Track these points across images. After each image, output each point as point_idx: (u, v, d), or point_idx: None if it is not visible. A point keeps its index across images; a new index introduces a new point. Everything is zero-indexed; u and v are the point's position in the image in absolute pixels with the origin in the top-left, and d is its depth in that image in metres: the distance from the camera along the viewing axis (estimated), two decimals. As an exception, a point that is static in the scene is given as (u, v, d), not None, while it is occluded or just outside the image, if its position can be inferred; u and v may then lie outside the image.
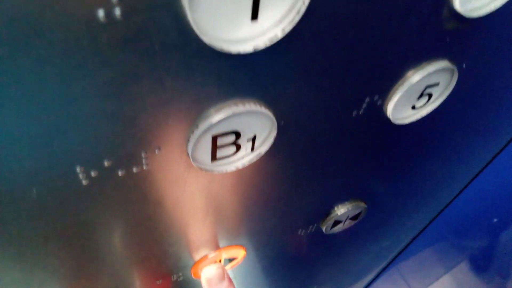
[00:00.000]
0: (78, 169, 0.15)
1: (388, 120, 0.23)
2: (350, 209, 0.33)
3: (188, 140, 0.17)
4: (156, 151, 0.16)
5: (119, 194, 0.18)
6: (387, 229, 0.49)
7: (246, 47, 0.14)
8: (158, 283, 0.29)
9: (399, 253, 0.70)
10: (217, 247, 0.29)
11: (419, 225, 0.57)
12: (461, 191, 0.50)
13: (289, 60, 0.16)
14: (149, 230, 0.22)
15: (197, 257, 0.29)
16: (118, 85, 0.13)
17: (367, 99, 0.21)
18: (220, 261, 0.30)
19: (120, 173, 0.17)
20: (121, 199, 0.18)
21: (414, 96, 0.22)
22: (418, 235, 0.63)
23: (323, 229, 0.34)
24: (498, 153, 0.39)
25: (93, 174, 0.16)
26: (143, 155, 0.16)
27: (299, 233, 0.34)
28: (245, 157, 0.20)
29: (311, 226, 0.33)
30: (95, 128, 0.14)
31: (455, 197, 0.52)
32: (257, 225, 0.29)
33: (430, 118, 0.25)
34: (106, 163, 0.16)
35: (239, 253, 0.31)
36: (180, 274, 0.29)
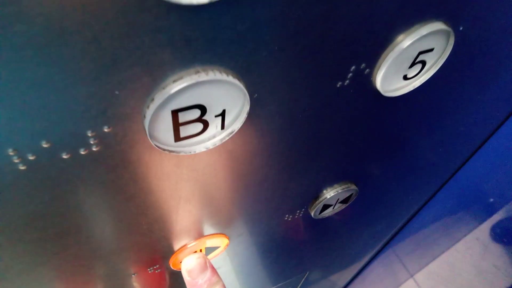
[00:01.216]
0: (10, 151, 0.13)
1: (377, 92, 0.21)
2: (339, 191, 0.31)
3: (144, 116, 0.14)
4: (105, 129, 0.14)
5: (67, 180, 0.15)
6: (381, 212, 0.47)
7: (199, -3, 0.11)
8: (133, 276, 0.27)
9: (395, 235, 0.68)
10: (198, 236, 0.27)
11: (414, 206, 0.55)
12: (456, 171, 0.49)
13: (258, 16, 0.13)
14: (114, 220, 0.20)
15: (176, 247, 0.27)
16: (49, 47, 0.11)
17: (353, 68, 0.18)
18: (201, 250, 0.28)
19: (64, 155, 0.14)
20: (71, 186, 0.16)
21: (406, 64, 0.20)
22: (413, 216, 0.61)
23: (312, 214, 0.33)
24: (496, 130, 0.37)
25: (30, 157, 0.14)
26: (89, 133, 0.14)
27: (286, 218, 0.32)
28: (216, 136, 0.18)
29: (298, 211, 0.32)
30: (23, 101, 0.12)
31: (450, 177, 0.51)
32: (239, 211, 0.27)
33: (424, 90, 0.23)
34: (44, 144, 0.13)
35: (222, 242, 0.29)
36: (157, 266, 0.27)
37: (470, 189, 0.58)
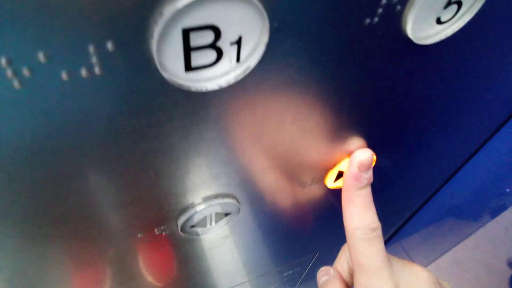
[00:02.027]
0: (3, 62, 0.12)
1: (407, 39, 0.19)
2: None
3: (152, 35, 0.13)
4: (109, 45, 0.13)
5: (66, 109, 0.14)
6: (394, 193, 0.45)
7: None
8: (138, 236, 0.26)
9: (402, 226, 0.67)
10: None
11: (430, 188, 0.53)
12: (473, 154, 0.46)
13: None
14: (118, 164, 0.19)
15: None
16: None
17: (384, 1, 0.16)
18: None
19: (63, 75, 0.13)
20: (71, 115, 0.15)
21: (440, 3, 0.18)
22: (422, 205, 0.59)
23: (326, 183, 0.31)
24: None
25: (26, 72, 0.12)
26: (90, 49, 0.12)
27: (300, 186, 0.30)
28: (229, 73, 0.16)
29: (313, 179, 0.30)
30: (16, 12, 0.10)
31: (468, 159, 0.48)
32: (250, 174, 0.25)
33: (458, 42, 0.21)
34: (41, 58, 0.12)
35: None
36: (165, 226, 0.26)
37: (484, 180, 0.55)
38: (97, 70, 0.13)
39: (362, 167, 0.26)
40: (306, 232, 0.43)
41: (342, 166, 0.29)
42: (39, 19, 0.11)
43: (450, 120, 0.31)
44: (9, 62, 0.12)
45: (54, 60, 0.12)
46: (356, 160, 0.26)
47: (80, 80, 0.13)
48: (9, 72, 0.12)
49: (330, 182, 0.31)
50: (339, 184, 0.31)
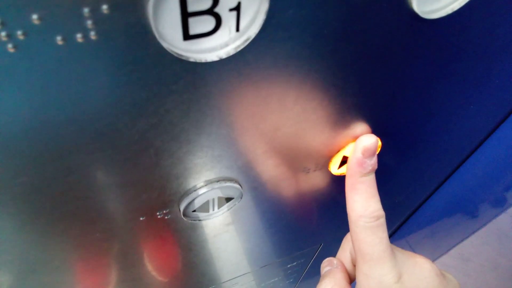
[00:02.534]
0: (-4, 24, 0.11)
1: (413, 12, 0.19)
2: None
3: (148, -1, 0.13)
4: (104, 8, 0.12)
5: (64, 77, 0.14)
6: (401, 180, 0.44)
7: None
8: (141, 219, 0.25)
9: (406, 219, 0.66)
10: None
11: (435, 180, 0.53)
12: (481, 143, 0.46)
13: None
14: (120, 144, 0.18)
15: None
16: None
17: None
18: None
19: (58, 39, 0.13)
20: (68, 84, 0.14)
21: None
22: (428, 198, 0.58)
23: (331, 169, 0.31)
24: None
25: (20, 35, 0.12)
26: (85, 12, 0.12)
27: (304, 172, 0.30)
28: (229, 44, 0.16)
29: (316, 165, 0.30)
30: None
31: (474, 150, 0.47)
32: (252, 157, 0.25)
33: (466, 16, 0.21)
34: (35, 19, 0.12)
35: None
36: (168, 210, 0.26)
37: (491, 173, 0.54)
38: (92, 35, 0.13)
39: (366, 153, 0.26)
40: (310, 222, 0.43)
41: (346, 151, 0.29)
42: (32, -22, 0.11)
43: (458, 105, 0.31)
44: (3, 24, 0.12)
45: (48, 23, 0.12)
46: (360, 145, 0.26)
47: (75, 45, 0.13)
48: (3, 35, 0.12)
49: (335, 168, 0.31)
50: (343, 170, 0.31)
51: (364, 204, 0.26)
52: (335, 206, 0.40)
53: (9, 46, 0.12)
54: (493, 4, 0.21)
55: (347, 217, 0.28)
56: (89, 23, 0.12)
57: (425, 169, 0.45)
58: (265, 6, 0.15)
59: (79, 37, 0.13)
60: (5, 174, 0.17)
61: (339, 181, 0.34)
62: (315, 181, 0.32)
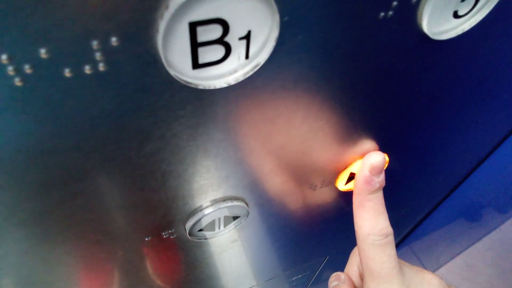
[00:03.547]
0: (4, 59, 0.11)
1: (423, 33, 0.18)
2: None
3: (157, 30, 0.12)
4: (113, 40, 0.12)
5: (70, 107, 0.14)
6: (407, 192, 0.44)
7: None
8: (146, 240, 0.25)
9: (413, 230, 0.65)
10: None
11: (441, 191, 0.52)
12: (487, 156, 0.45)
13: None
14: (129, 164, 0.18)
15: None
16: None
17: None
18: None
19: (66, 72, 0.12)
20: (76, 115, 0.14)
21: (458, -5, 0.17)
22: (433, 210, 0.58)
23: (338, 186, 0.30)
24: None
25: (27, 69, 0.12)
26: (94, 45, 0.12)
27: (310, 188, 0.29)
28: (238, 70, 0.15)
29: (324, 181, 0.29)
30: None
31: (480, 162, 0.47)
32: (259, 176, 0.25)
33: (476, 36, 0.20)
34: (43, 54, 0.12)
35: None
36: (173, 230, 0.26)
37: (495, 183, 0.54)
38: (101, 66, 0.13)
39: (374, 171, 0.25)
40: (316, 235, 0.43)
41: (353, 168, 0.28)
42: (40, 14, 0.11)
43: (465, 120, 0.30)
44: (10, 59, 0.11)
45: (56, 56, 0.12)
46: (368, 163, 0.26)
47: (84, 77, 0.13)
48: (10, 69, 0.12)
49: (342, 184, 0.30)
50: (350, 186, 0.30)
51: (372, 221, 0.26)
52: (341, 219, 0.40)
53: (17, 80, 0.12)
54: (502, 25, 0.20)
55: (353, 229, 0.28)
56: (98, 55, 0.12)
57: (431, 181, 0.44)
58: (275, 34, 0.15)
59: (87, 68, 0.13)
60: (11, 199, 0.17)
61: (346, 196, 0.34)
62: (321, 197, 0.32)
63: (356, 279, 0.31)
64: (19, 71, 0.12)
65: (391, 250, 0.26)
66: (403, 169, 0.36)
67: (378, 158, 0.25)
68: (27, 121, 0.14)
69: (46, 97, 0.13)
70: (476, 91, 0.26)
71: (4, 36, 0.11)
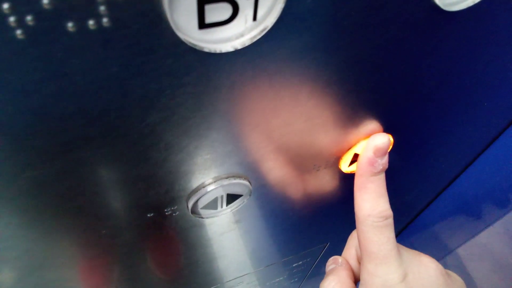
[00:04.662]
0: (6, 7, 0.11)
1: (434, 4, 0.18)
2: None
3: (164, -16, 0.12)
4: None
5: (75, 65, 0.13)
6: (408, 180, 0.44)
7: None
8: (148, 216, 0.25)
9: (411, 221, 0.65)
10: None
11: (441, 181, 0.52)
12: (490, 143, 0.45)
13: None
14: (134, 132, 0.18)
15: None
16: None
17: None
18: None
19: (69, 26, 0.12)
20: (78, 72, 0.14)
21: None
22: (435, 198, 0.58)
23: (342, 167, 0.30)
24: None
25: (29, 21, 0.11)
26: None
27: (314, 169, 0.29)
28: (245, 33, 0.15)
29: (327, 162, 0.29)
30: None
31: (481, 153, 0.47)
32: (263, 153, 0.24)
33: (487, 9, 0.20)
34: (45, 4, 0.11)
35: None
36: (176, 207, 0.25)
37: (497, 175, 0.54)
38: (105, 22, 0.12)
39: (378, 153, 0.25)
40: (317, 220, 0.42)
41: (358, 148, 0.28)
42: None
43: (472, 101, 0.30)
44: (12, 8, 0.11)
45: (59, 7, 0.11)
46: (372, 144, 0.25)
47: (87, 32, 0.12)
48: (12, 20, 0.11)
49: (345, 165, 0.30)
50: (354, 168, 0.30)
51: (372, 203, 0.26)
52: (343, 204, 0.39)
53: (18, 32, 0.12)
54: (515, -3, 0.20)
55: (354, 216, 0.27)
56: (102, 9, 0.12)
57: (433, 169, 0.44)
58: (283, -6, 0.14)
59: (91, 24, 0.12)
60: (12, 168, 0.17)
61: (349, 179, 0.33)
62: (324, 179, 0.32)
63: (353, 262, 0.31)
64: (21, 23, 0.11)
65: (390, 232, 0.26)
66: (406, 154, 0.36)
67: (383, 140, 0.25)
68: (28, 79, 0.13)
69: (48, 53, 0.13)
70: (485, 70, 0.26)
71: (5, -17, 0.10)
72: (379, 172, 0.26)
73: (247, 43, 0.15)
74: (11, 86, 0.13)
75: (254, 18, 0.14)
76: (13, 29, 0.11)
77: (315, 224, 0.44)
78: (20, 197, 0.19)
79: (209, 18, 0.14)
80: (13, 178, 0.17)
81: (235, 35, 0.15)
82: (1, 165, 0.16)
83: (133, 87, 0.15)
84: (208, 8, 0.13)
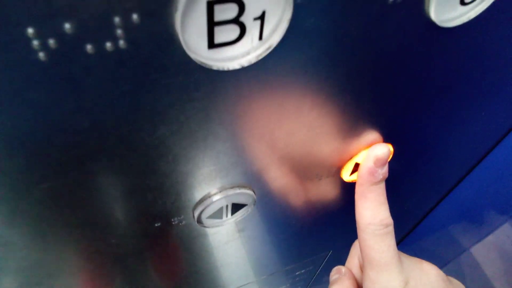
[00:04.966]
0: (30, 32, 0.12)
1: (430, 21, 0.19)
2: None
3: (176, 8, 0.13)
4: (135, 18, 0.13)
5: (91, 85, 0.14)
6: (408, 189, 0.44)
7: None
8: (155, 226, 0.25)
9: (412, 230, 0.65)
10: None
11: (441, 189, 0.52)
12: (488, 151, 0.45)
13: None
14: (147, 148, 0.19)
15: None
16: None
17: None
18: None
19: (88, 47, 0.13)
20: (95, 92, 0.15)
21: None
22: (436, 205, 0.58)
23: (343, 176, 0.31)
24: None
25: (51, 43, 0.12)
26: (116, 22, 0.12)
27: (317, 179, 0.30)
28: (251, 52, 0.16)
29: (329, 172, 0.30)
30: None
31: (481, 160, 0.47)
32: (267, 164, 0.25)
33: (482, 24, 0.21)
34: (67, 28, 0.12)
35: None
36: (182, 217, 0.26)
37: (497, 182, 0.54)
38: (121, 44, 0.13)
39: (378, 163, 0.26)
40: (320, 229, 0.43)
41: (359, 158, 0.29)
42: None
43: (470, 112, 0.31)
44: (36, 33, 0.12)
45: (80, 32, 0.12)
46: (372, 155, 0.26)
47: (105, 54, 0.13)
48: (35, 43, 0.12)
49: (347, 175, 0.31)
50: (355, 177, 0.31)
51: (373, 211, 0.26)
52: (345, 213, 0.40)
53: (41, 54, 0.12)
54: (509, 14, 0.21)
55: (355, 227, 0.28)
56: (119, 32, 0.13)
57: (434, 176, 0.45)
58: (288, 15, 0.15)
59: (108, 46, 0.13)
60: (28, 179, 0.17)
61: (350, 188, 0.34)
62: (326, 187, 0.32)
63: (356, 271, 0.32)
64: (44, 46, 0.12)
65: (391, 240, 0.26)
66: (404, 164, 0.36)
67: (383, 150, 0.26)
68: (48, 97, 0.14)
69: (67, 73, 0.13)
70: (481, 82, 0.26)
71: (30, 11, 0.11)
72: (379, 182, 0.26)
73: (253, 60, 0.16)
74: (32, 103, 0.14)
75: (260, 38, 0.15)
76: (36, 52, 0.12)
77: (318, 233, 0.44)
78: (34, 208, 0.19)
79: (218, 39, 0.14)
80: (28, 189, 0.18)
81: (242, 54, 0.16)
82: (18, 177, 0.17)
83: (145, 103, 0.16)
84: (218, 29, 0.14)
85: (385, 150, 0.26)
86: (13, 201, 0.18)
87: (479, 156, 0.46)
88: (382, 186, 0.27)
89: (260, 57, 0.16)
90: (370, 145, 0.28)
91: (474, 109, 0.30)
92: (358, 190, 0.27)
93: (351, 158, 0.29)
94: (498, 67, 0.25)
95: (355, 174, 0.30)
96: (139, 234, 0.26)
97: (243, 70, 0.17)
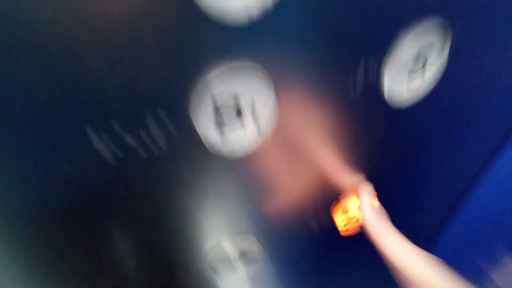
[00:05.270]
0: (103, 136, 0.17)
1: (386, 103, 0.25)
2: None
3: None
4: (161, 113, 0.18)
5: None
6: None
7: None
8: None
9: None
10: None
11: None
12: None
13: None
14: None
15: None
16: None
17: (363, 60, 0.22)
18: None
19: (143, 153, 0.19)
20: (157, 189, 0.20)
21: (409, 58, 0.23)
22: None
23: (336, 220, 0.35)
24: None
25: (119, 153, 0.18)
26: (148, 115, 0.18)
27: (313, 229, 0.34)
28: (251, 142, 0.22)
29: (322, 218, 0.34)
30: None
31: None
32: (269, 221, 0.30)
33: (428, 103, 0.27)
34: (130, 141, 0.18)
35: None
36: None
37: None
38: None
39: (371, 195, 0.32)
40: (323, 279, 0.45)
41: (347, 203, 0.33)
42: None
43: (432, 169, 0.36)
44: (112, 146, 0.18)
45: (139, 141, 0.18)
46: (362, 192, 0.32)
47: (154, 156, 0.19)
48: (107, 152, 0.18)
49: (339, 220, 0.35)
50: (348, 226, 0.35)
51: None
52: (346, 263, 0.43)
53: (114, 164, 0.18)
54: (447, 97, 0.27)
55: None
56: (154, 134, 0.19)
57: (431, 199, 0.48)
58: (271, 100, 0.21)
59: (155, 150, 0.19)
60: (49, 247, 0.23)
61: (346, 241, 0.38)
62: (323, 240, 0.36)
63: None
64: (115, 156, 0.18)
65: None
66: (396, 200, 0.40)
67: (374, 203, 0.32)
68: (114, 199, 0.20)
69: (130, 175, 0.19)
70: (440, 142, 0.33)
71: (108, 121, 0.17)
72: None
73: (254, 148, 0.22)
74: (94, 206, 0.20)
75: (258, 131, 0.21)
76: (109, 161, 0.18)
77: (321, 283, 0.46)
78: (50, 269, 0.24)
79: (226, 136, 0.20)
80: (46, 254, 0.23)
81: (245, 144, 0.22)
82: (43, 243, 0.22)
83: (176, 196, 0.22)
84: (224, 129, 0.20)
85: (369, 186, 0.32)
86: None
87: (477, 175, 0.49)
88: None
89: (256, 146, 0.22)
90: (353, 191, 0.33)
91: (435, 167, 0.36)
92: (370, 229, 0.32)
93: (339, 203, 0.34)
94: (451, 133, 0.32)
95: (344, 216, 0.34)
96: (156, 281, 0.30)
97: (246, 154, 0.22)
